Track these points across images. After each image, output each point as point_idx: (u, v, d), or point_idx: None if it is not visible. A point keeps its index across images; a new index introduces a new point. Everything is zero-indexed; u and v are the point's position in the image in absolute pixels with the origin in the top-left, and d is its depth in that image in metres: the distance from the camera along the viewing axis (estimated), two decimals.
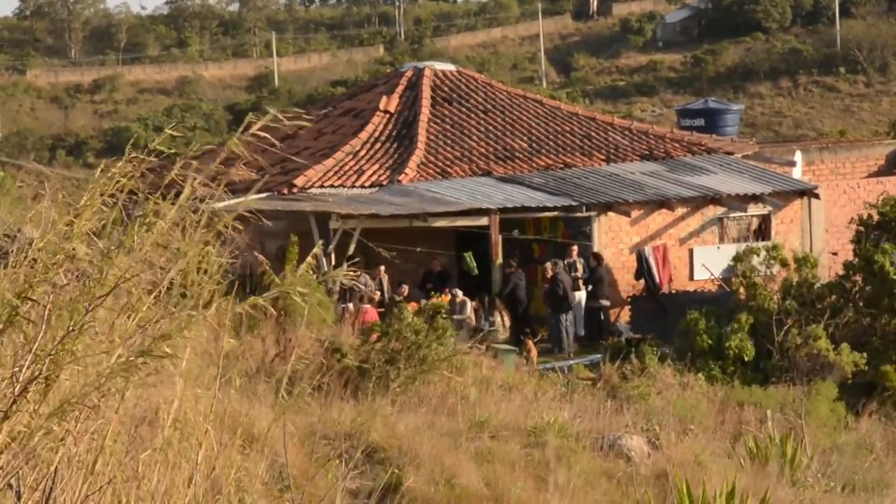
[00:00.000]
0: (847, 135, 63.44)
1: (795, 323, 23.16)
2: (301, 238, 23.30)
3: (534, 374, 20.66)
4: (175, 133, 5.95)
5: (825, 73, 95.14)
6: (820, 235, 31.16)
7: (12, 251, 4.92)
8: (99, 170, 5.27)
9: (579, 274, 28.22)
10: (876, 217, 25.88)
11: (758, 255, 25.07)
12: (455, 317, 24.71)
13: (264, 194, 27.43)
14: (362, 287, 25.84)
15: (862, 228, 25.88)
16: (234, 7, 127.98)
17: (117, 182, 5.20)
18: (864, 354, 22.57)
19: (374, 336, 17.86)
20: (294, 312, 18.98)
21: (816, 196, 30.90)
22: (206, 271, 5.46)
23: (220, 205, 5.81)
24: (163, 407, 5.52)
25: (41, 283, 4.63)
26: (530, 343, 24.81)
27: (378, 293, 26.61)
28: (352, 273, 6.52)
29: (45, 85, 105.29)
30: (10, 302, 4.57)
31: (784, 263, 24.82)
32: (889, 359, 22.90)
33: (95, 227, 5.09)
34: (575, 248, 28.55)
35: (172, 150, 5.87)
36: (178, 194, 5.78)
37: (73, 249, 4.69)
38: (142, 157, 5.50)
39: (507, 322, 26.59)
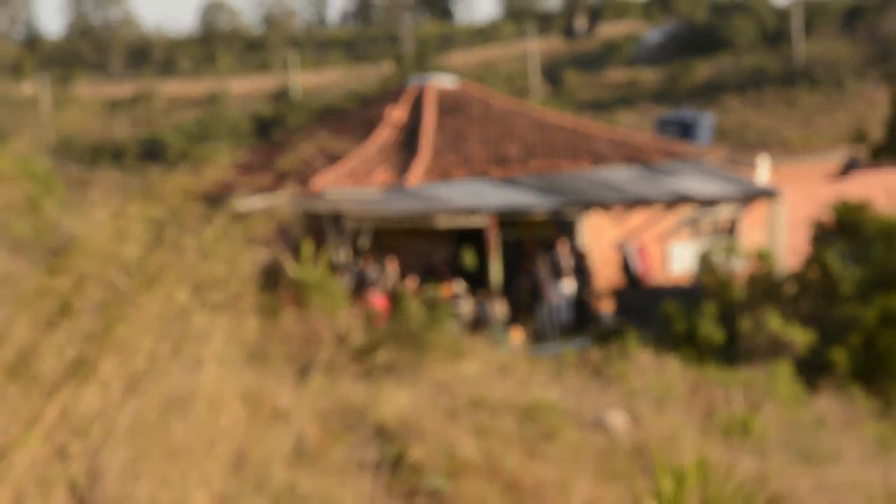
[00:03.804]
0: (809, 143, 63.42)
1: (757, 311, 23.22)
2: (317, 235, 23.34)
3: (522, 356, 20.67)
4: (205, 144, 5.98)
5: (788, 88, 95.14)
6: (783, 233, 31.21)
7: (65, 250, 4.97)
8: (150, 180, 5.31)
9: (565, 267, 28.29)
10: (830, 217, 25.96)
11: (719, 251, 25.12)
12: (455, 307, 24.76)
13: (284, 196, 27.47)
14: (372, 276, 25.89)
15: (817, 228, 25.97)
16: (259, 27, 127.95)
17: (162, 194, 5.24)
18: (818, 333, 22.63)
19: (380, 321, 17.90)
20: (310, 300, 19.03)
21: (778, 198, 30.96)
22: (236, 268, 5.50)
23: (247, 204, 5.85)
24: (197, 386, 5.55)
25: (93, 279, 4.68)
26: (519, 327, 24.91)
27: (387, 282, 26.65)
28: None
29: (89, 98, 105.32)
30: (64, 295, 4.62)
31: (746, 258, 24.87)
32: (841, 340, 22.96)
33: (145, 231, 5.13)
34: (563, 243, 28.60)
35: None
36: (212, 196, 5.81)
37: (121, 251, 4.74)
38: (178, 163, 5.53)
39: (503, 311, 26.63)
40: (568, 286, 28.25)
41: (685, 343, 23.15)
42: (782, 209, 31.21)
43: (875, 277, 23.38)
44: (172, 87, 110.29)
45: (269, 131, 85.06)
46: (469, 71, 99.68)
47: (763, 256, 24.63)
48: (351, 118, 35.56)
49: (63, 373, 4.73)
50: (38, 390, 4.66)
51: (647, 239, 29.85)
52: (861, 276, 23.40)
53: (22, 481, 4.63)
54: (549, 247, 28.69)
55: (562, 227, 29.38)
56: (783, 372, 20.26)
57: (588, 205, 29.28)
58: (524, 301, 28.13)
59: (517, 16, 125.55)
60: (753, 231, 30.68)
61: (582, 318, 28.13)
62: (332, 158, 31.57)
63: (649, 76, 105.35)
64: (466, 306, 26.37)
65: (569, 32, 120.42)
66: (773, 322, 22.30)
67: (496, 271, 27.90)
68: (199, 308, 5.32)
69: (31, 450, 4.63)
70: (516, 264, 28.68)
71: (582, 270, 28.24)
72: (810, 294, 24.06)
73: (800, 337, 22.21)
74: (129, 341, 4.88)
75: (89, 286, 4.77)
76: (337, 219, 26.95)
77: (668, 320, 23.74)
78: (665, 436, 14.22)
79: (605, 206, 29.38)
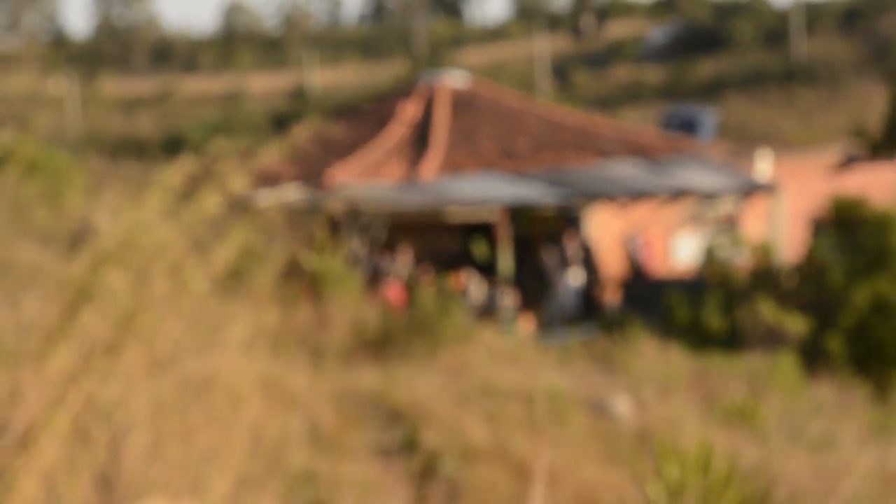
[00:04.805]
0: (809, 139, 63.26)
1: (757, 300, 23.18)
2: (333, 228, 23.34)
3: (530, 345, 20.68)
4: (225, 137, 5.97)
5: (788, 86, 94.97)
6: (784, 226, 31.16)
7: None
8: (163, 170, 5.31)
9: (573, 258, 28.28)
10: (828, 212, 25.91)
11: (722, 244, 25.12)
12: (467, 297, 24.75)
13: (301, 189, 27.48)
14: (386, 267, 25.90)
15: (815, 222, 25.93)
16: (278, 27, 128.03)
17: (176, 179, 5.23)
18: (812, 321, 22.56)
19: (395, 311, 17.88)
20: (326, 291, 19.02)
21: (778, 192, 30.92)
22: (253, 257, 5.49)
23: (264, 197, 5.84)
24: (216, 373, 5.54)
25: (111, 265, 4.67)
26: (527, 317, 24.90)
27: (401, 273, 26.66)
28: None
29: (113, 96, 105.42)
30: (84, 281, 4.62)
31: (748, 250, 24.85)
32: (835, 326, 22.89)
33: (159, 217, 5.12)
34: (570, 235, 28.58)
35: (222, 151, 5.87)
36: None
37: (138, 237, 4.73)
38: (197, 157, 5.52)
39: (513, 300, 26.64)
40: (575, 277, 28.24)
41: (688, 332, 23.13)
42: (782, 203, 31.15)
43: (865, 263, 23.35)
44: (194, 85, 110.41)
45: (286, 127, 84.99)
46: (480, 69, 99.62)
47: (763, 248, 24.59)
48: (365, 114, 35.55)
49: (87, 359, 4.73)
50: (64, 376, 4.66)
51: (651, 231, 29.81)
52: (851, 262, 23.37)
53: (50, 464, 4.64)
54: (556, 239, 28.67)
55: (569, 219, 29.35)
56: (785, 361, 20.23)
57: (594, 198, 29.25)
58: (532, 291, 28.12)
59: (526, 16, 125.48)
60: (755, 224, 30.63)
61: (588, 307, 28.11)
62: (347, 153, 31.53)
63: (654, 74, 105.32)
64: (477, 296, 26.36)
65: (576, 32, 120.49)
66: (768, 311, 22.27)
67: (506, 262, 27.90)
68: (219, 297, 5.32)
69: (57, 434, 4.64)
70: (525, 256, 28.67)
71: (588, 262, 28.23)
72: (808, 284, 24.02)
73: (794, 325, 22.18)
74: (151, 329, 4.88)
75: (111, 275, 4.77)
76: (352, 212, 26.95)
77: (672, 310, 23.72)
78: (668, 421, 14.21)
79: (611, 199, 29.34)
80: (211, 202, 5.35)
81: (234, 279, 5.44)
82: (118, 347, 4.79)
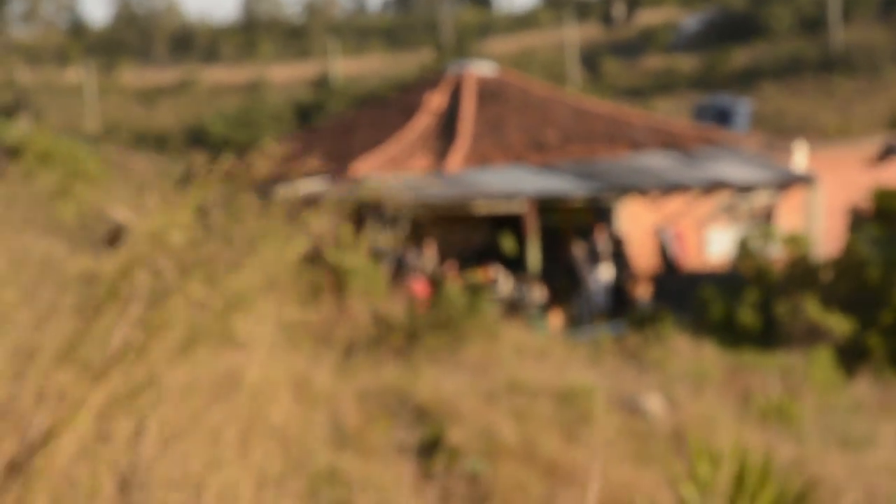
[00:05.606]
0: (846, 129, 63.03)
1: (794, 297, 23.13)
2: (357, 221, 23.37)
3: (559, 341, 20.67)
4: (247, 129, 5.99)
5: (825, 74, 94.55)
6: (820, 219, 31.06)
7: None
8: (191, 169, 5.34)
9: (603, 252, 28.25)
10: (869, 204, 25.83)
11: (756, 237, 25.06)
12: (494, 292, 24.76)
13: (325, 181, 27.52)
14: (412, 261, 25.93)
15: (854, 214, 25.85)
16: (300, 15, 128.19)
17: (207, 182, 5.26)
18: (855, 319, 22.51)
19: (420, 306, 17.90)
20: (351, 286, 19.06)
21: (815, 184, 30.82)
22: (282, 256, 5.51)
23: (289, 190, 5.87)
24: (241, 371, 5.57)
25: (140, 265, 4.70)
26: (556, 312, 24.91)
27: (427, 267, 26.68)
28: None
29: (133, 86, 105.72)
30: (112, 280, 4.66)
31: (784, 244, 24.78)
32: (876, 323, 22.82)
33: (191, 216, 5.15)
34: (600, 229, 28.56)
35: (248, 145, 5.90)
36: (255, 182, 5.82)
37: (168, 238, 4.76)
38: (225, 155, 5.54)
39: (542, 295, 26.63)
40: (605, 271, 28.21)
41: (722, 328, 23.09)
42: (819, 195, 31.05)
43: None
44: (215, 75, 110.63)
45: (310, 118, 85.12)
46: (507, 58, 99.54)
47: (799, 242, 24.52)
48: (391, 105, 35.57)
49: (111, 356, 4.77)
50: (87, 374, 4.70)
51: (684, 225, 29.76)
52: (891, 256, 23.27)
53: (71, 463, 4.68)
54: (586, 232, 28.65)
55: (599, 212, 29.32)
56: (822, 358, 20.17)
57: (626, 191, 29.21)
58: (562, 286, 28.11)
59: (555, 3, 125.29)
60: (790, 217, 30.54)
61: (619, 303, 28.08)
62: (372, 144, 31.60)
63: (687, 63, 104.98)
64: (505, 290, 26.37)
65: (607, 20, 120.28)
66: (811, 308, 22.21)
67: (534, 257, 27.89)
68: (246, 293, 5.35)
69: (79, 432, 4.68)
70: (554, 250, 28.66)
71: (619, 256, 28.19)
72: (846, 279, 23.95)
73: (837, 323, 22.12)
74: (177, 326, 4.91)
75: (138, 272, 4.81)
76: (377, 205, 26.97)
77: (705, 306, 23.67)
78: (702, 420, 14.19)
79: (642, 192, 29.30)
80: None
81: (260, 274, 5.46)
82: (144, 345, 4.83)
